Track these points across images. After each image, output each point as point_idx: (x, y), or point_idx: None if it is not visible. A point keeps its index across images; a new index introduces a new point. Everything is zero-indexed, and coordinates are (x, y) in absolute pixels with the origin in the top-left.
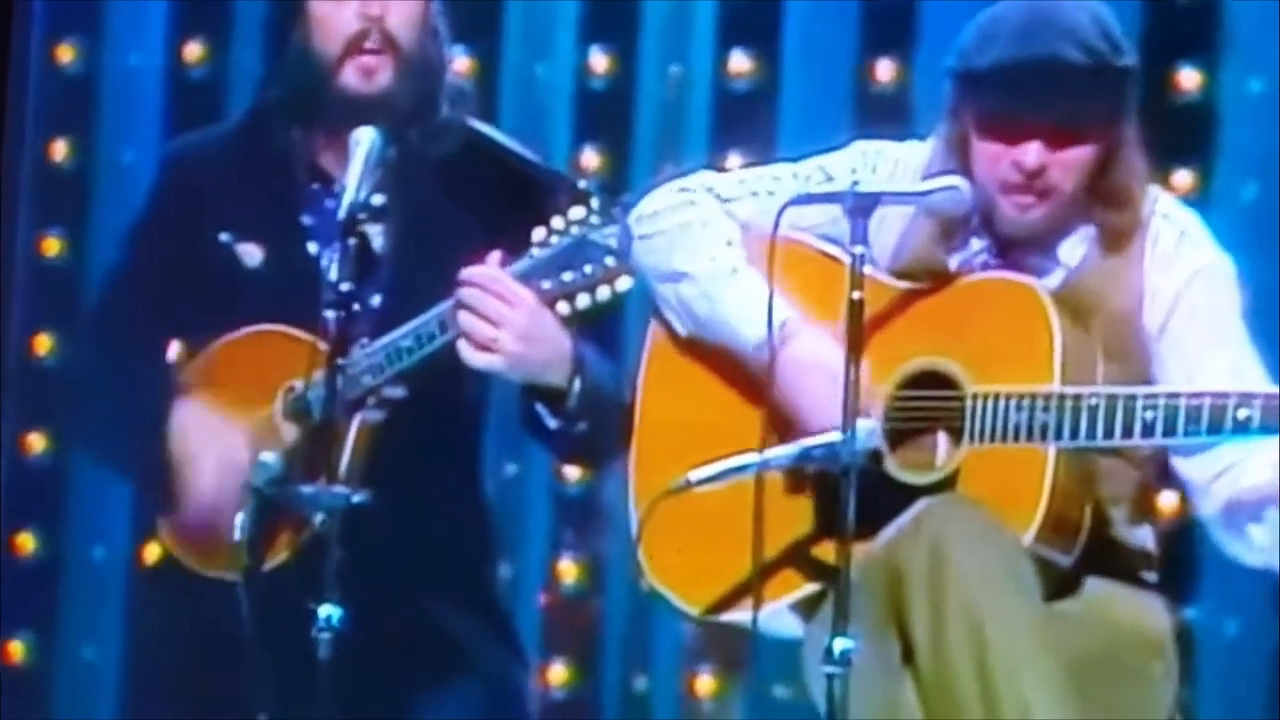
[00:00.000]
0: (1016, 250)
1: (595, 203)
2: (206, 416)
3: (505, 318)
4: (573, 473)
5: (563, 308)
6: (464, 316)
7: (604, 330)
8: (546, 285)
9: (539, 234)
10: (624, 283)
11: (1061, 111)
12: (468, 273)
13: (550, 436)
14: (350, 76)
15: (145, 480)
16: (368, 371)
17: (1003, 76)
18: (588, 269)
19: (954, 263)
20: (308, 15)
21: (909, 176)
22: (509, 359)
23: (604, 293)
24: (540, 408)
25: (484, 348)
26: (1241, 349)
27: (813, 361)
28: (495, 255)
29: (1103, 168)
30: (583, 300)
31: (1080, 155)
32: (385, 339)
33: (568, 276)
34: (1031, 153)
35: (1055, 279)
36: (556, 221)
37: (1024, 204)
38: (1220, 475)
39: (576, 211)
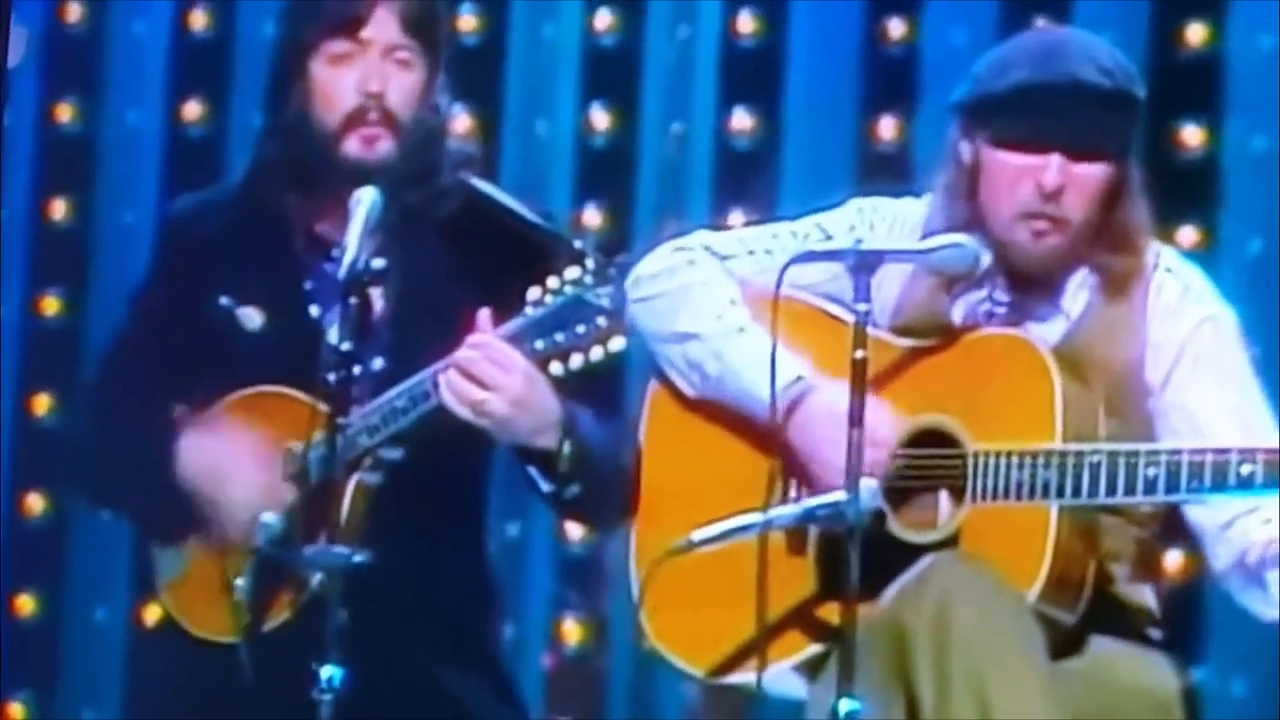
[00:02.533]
0: (1022, 294)
1: (590, 263)
2: (230, 433)
3: (498, 382)
4: (575, 533)
5: (555, 368)
6: (453, 375)
7: (604, 391)
8: (540, 345)
9: (534, 293)
10: (617, 343)
11: (1080, 132)
12: (468, 339)
13: (546, 498)
14: (351, 145)
15: (150, 516)
16: (364, 432)
17: (1022, 97)
18: (580, 329)
19: (958, 311)
20: (308, 78)
21: (907, 233)
22: (496, 421)
23: (597, 353)
24: (533, 471)
25: (471, 407)
26: (1248, 394)
27: (828, 417)
28: (485, 314)
29: (1110, 203)
30: (576, 360)
31: (1095, 177)
32: (380, 399)
33: (560, 336)
34: (1053, 169)
35: (1057, 328)
36: (551, 281)
37: (1040, 230)
38: (1232, 523)
39: (571, 271)
